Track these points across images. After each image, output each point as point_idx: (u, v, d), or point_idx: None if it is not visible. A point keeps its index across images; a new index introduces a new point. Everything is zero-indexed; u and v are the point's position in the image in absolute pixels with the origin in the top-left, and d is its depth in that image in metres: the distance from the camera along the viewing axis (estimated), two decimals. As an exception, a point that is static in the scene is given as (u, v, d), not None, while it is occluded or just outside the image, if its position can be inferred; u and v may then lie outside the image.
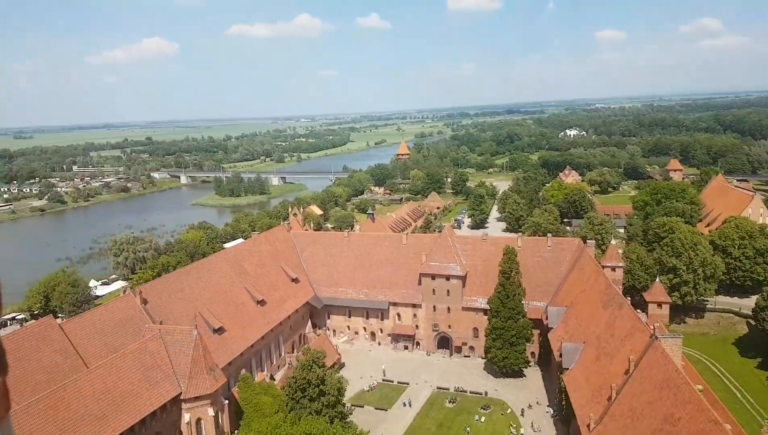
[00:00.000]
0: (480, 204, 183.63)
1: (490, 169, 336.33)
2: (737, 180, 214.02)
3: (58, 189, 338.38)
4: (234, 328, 75.28)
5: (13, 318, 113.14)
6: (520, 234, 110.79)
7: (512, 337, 78.60)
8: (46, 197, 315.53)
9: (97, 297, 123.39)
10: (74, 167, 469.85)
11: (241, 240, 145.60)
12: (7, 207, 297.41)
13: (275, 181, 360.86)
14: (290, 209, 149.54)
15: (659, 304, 77.12)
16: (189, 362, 59.45)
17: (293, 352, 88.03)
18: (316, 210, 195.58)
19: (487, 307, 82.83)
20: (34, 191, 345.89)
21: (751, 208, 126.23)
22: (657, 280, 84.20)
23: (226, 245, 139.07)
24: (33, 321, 79.68)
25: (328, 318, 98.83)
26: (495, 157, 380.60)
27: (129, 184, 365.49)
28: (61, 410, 48.41)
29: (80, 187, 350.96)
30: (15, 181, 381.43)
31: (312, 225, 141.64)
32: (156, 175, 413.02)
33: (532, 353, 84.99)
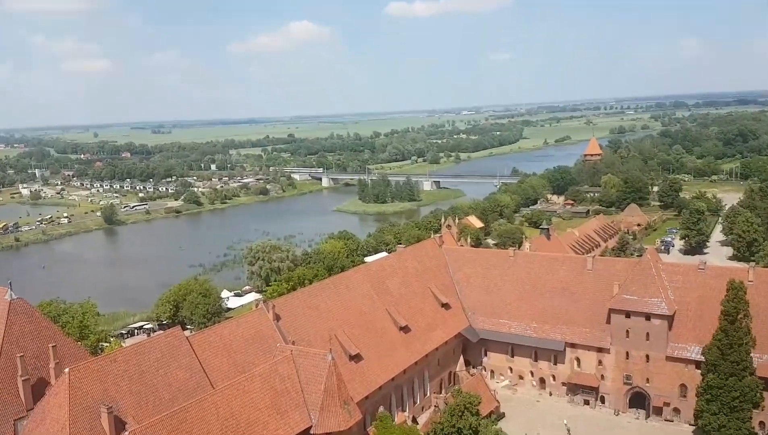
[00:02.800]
0: (697, 222, 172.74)
1: (714, 177, 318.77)
2: None
3: (195, 189, 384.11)
4: (373, 356, 78.39)
5: (141, 327, 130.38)
6: (752, 264, 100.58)
7: (734, 399, 71.97)
8: (182, 197, 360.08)
9: (229, 309, 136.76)
10: (212, 166, 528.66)
11: (384, 253, 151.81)
12: (142, 207, 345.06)
13: (427, 185, 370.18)
14: (443, 220, 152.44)
15: None
16: (321, 391, 62.61)
17: (441, 393, 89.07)
18: (475, 222, 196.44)
19: (701, 358, 76.74)
20: (170, 190, 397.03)
21: None
22: None
23: (368, 259, 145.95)
24: (161, 332, 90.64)
25: (485, 355, 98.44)
26: (721, 161, 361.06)
27: (268, 186, 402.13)
28: (182, 433, 52.63)
29: (218, 187, 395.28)
30: (151, 180, 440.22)
31: (469, 240, 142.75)
32: (296, 176, 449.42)
33: (761, 423, 76.75)
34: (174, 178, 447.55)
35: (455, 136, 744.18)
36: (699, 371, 77.76)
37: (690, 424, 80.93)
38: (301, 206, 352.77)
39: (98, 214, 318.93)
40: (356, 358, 75.70)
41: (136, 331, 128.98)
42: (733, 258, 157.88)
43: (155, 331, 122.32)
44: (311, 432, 61.85)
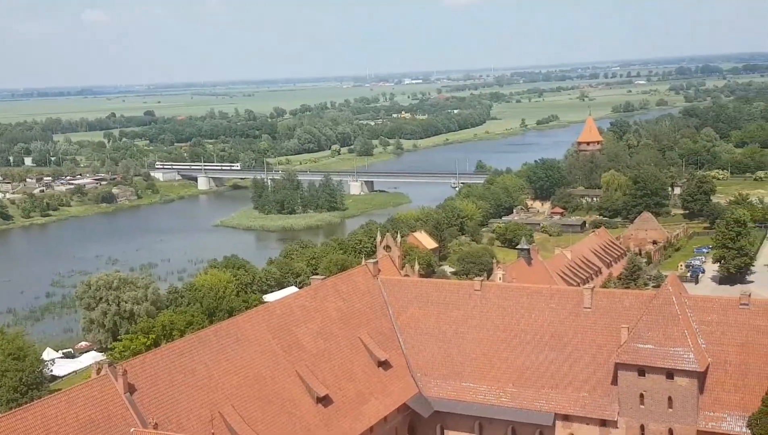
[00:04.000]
0: (738, 237, 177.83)
1: (760, 173, 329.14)
2: None
3: (0, 194, 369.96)
4: (277, 442, 77.72)
5: None
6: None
7: (794, 490, 74.81)
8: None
9: (55, 378, 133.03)
10: (27, 159, 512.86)
11: (293, 289, 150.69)
12: None
13: (356, 187, 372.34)
14: (380, 238, 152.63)
15: None
16: (199, 499, 62.10)
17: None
18: (426, 241, 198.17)
19: (747, 432, 79.56)
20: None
21: None
22: None
23: (268, 297, 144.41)
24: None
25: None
26: None
27: (115, 190, 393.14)
28: None
29: (36, 191, 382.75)
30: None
31: (418, 267, 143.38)
32: (159, 174, 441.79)
33: None
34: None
35: (395, 116, 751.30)
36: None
37: None
38: (166, 220, 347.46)
39: None
40: (252, 446, 74.83)
41: None
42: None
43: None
44: None
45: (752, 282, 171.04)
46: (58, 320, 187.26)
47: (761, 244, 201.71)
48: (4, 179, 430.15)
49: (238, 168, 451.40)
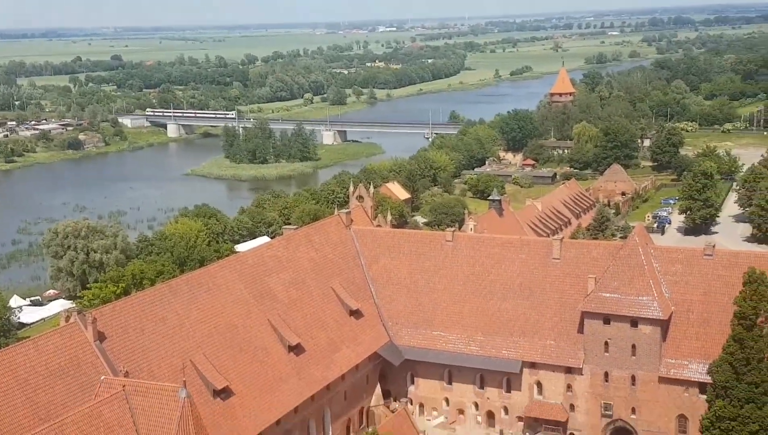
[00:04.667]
0: (704, 189, 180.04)
1: (728, 125, 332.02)
2: None
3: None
4: (249, 390, 78.60)
5: None
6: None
7: (754, 433, 77.04)
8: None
9: (23, 325, 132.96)
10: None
11: (265, 238, 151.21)
12: None
13: (328, 137, 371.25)
14: (353, 188, 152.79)
15: None
16: (170, 443, 62.77)
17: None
18: (399, 191, 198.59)
19: (708, 378, 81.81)
20: None
21: None
22: None
23: (240, 247, 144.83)
24: None
25: (412, 382, 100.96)
26: (738, 103, 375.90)
27: (81, 136, 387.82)
28: None
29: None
30: None
31: (390, 217, 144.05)
32: (127, 121, 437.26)
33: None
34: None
35: (368, 65, 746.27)
36: (704, 397, 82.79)
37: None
38: (134, 168, 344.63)
39: None
40: (224, 393, 75.66)
41: None
42: (752, 239, 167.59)
43: None
44: (155, 503, 61.84)
45: (716, 233, 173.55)
46: (24, 268, 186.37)
47: (726, 195, 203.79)
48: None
49: (209, 116, 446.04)
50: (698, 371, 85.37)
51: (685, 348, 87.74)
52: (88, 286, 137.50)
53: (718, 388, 78.90)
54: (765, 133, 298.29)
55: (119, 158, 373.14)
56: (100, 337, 71.40)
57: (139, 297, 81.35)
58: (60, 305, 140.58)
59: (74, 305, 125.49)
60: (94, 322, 71.47)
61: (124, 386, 64.91)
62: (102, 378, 67.28)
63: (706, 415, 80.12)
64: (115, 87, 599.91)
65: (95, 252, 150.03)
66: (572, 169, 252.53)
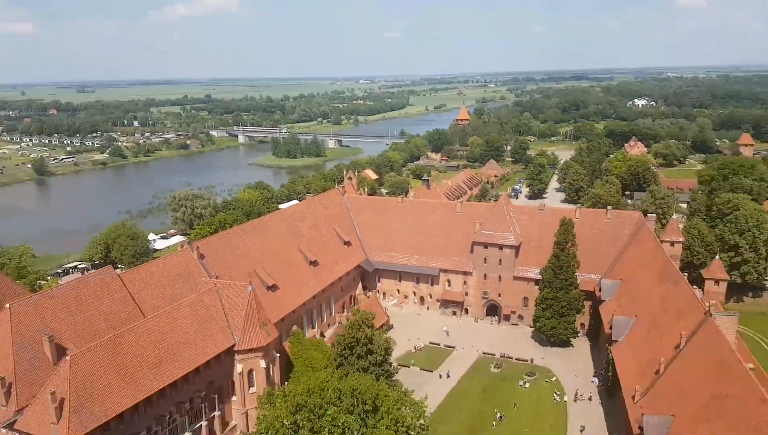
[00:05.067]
0: (539, 173, 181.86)
1: (553, 138, 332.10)
2: None
3: (119, 143, 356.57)
4: (287, 286, 79.32)
5: (75, 266, 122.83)
6: (579, 206, 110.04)
7: (563, 307, 79.49)
8: (108, 151, 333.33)
9: (156, 250, 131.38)
10: (135, 123, 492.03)
11: (295, 201, 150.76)
12: (71, 160, 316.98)
13: (331, 143, 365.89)
14: (345, 173, 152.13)
15: (716, 282, 76.12)
16: (243, 316, 63.26)
17: (343, 312, 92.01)
18: (371, 174, 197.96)
19: (539, 277, 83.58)
20: (95, 145, 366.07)
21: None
22: (717, 257, 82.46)
23: (281, 206, 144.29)
24: (94, 270, 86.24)
25: (379, 281, 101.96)
26: (559, 125, 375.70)
27: (188, 142, 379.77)
28: (119, 356, 52.38)
29: (140, 141, 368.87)
30: (78, 135, 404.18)
31: (366, 189, 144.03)
32: (214, 133, 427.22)
33: (582, 324, 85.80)
34: (99, 133, 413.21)
35: (354, 102, 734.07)
36: (537, 287, 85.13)
37: (530, 327, 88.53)
38: (219, 160, 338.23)
39: (29, 166, 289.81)
40: (272, 288, 76.33)
41: (70, 270, 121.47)
42: (565, 201, 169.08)
43: (89, 270, 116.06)
44: (234, 349, 62.64)
45: (546, 198, 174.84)
46: (156, 218, 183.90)
47: (551, 177, 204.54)
48: (121, 134, 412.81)
49: (262, 131, 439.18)
50: (535, 273, 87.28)
51: (528, 260, 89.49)
52: (193, 228, 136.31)
53: (545, 282, 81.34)
54: (572, 142, 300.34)
55: (210, 155, 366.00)
56: (201, 256, 71.46)
57: (223, 234, 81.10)
58: (177, 238, 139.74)
59: (186, 239, 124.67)
60: (197, 248, 71.78)
61: (215, 284, 65.92)
62: (203, 280, 67.84)
63: (538, 297, 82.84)
64: (207, 113, 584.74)
65: (197, 208, 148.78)
66: (468, 162, 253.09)
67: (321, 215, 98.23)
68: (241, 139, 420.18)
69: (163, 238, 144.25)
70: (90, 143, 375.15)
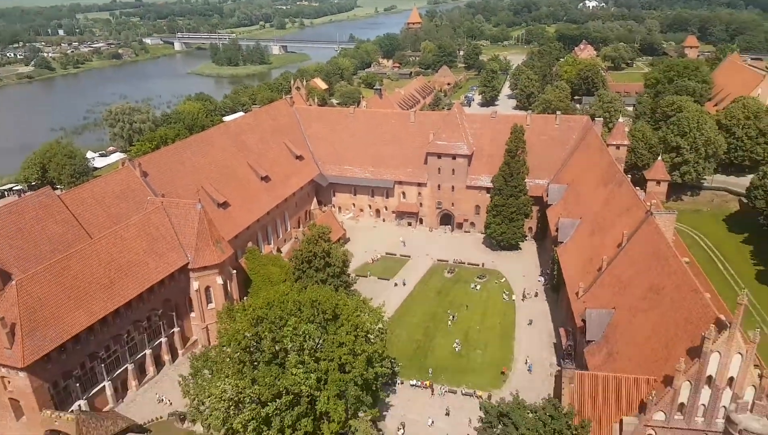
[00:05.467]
0: (492, 80, 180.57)
1: (505, 42, 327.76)
2: (751, 58, 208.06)
3: (45, 54, 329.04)
4: (238, 203, 78.08)
5: (11, 189, 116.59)
6: (529, 112, 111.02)
7: (512, 213, 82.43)
8: (33, 63, 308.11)
9: (96, 169, 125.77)
10: (60, 31, 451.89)
11: (241, 113, 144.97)
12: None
13: (276, 49, 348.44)
14: (293, 82, 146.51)
15: (658, 182, 79.98)
16: (194, 234, 62.42)
17: (299, 228, 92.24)
18: (321, 84, 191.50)
19: (491, 185, 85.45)
20: (18, 56, 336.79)
21: (761, 89, 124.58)
22: (659, 158, 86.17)
23: (226, 118, 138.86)
24: (31, 193, 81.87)
25: (334, 195, 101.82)
26: (511, 28, 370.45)
27: (120, 51, 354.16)
28: (69, 278, 51.58)
29: (68, 52, 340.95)
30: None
31: (316, 100, 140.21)
32: (148, 41, 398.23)
33: (530, 228, 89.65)
34: (21, 43, 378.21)
35: (298, 3, 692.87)
36: (488, 195, 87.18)
37: (481, 233, 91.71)
38: (155, 70, 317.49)
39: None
40: (223, 205, 75.06)
41: (5, 193, 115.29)
42: (516, 107, 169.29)
43: (25, 192, 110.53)
44: (189, 267, 62.47)
45: (498, 105, 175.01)
46: (93, 134, 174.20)
47: (503, 83, 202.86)
48: (46, 45, 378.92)
49: (200, 37, 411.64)
50: (486, 181, 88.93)
51: (479, 169, 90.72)
52: (133, 144, 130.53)
53: (496, 190, 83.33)
54: (524, 46, 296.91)
55: (145, 65, 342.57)
56: (144, 174, 69.20)
57: (166, 150, 77.97)
58: (117, 156, 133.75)
59: (126, 156, 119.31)
60: (139, 165, 69.42)
61: (162, 202, 64.58)
62: (148, 198, 66.14)
63: (489, 204, 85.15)
64: (138, 19, 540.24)
65: (136, 123, 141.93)
66: (420, 69, 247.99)
67: (269, 128, 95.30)
68: (177, 46, 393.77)
69: (102, 155, 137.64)
70: (12, 55, 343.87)
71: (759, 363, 35.20)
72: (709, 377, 35.32)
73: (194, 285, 63.07)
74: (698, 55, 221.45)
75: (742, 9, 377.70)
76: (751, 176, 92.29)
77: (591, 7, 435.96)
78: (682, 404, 36.34)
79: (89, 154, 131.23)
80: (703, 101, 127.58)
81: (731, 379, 34.83)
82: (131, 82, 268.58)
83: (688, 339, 38.08)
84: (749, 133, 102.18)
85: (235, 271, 66.95)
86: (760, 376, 33.32)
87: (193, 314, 64.61)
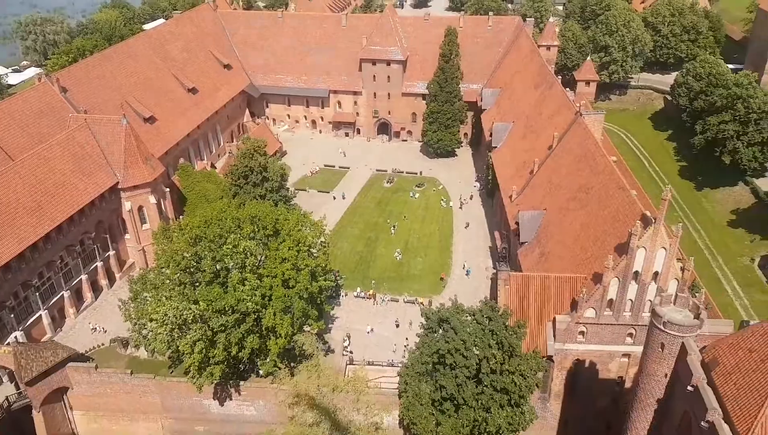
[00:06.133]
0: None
1: None
2: None
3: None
4: (166, 117, 71.39)
5: None
6: (462, 13, 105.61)
7: (448, 120, 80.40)
8: None
9: (10, 86, 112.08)
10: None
11: (162, 20, 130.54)
12: None
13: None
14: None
15: (587, 82, 79.39)
16: (122, 152, 57.29)
17: (233, 142, 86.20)
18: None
19: (426, 91, 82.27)
20: None
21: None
22: (588, 58, 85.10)
23: (146, 27, 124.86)
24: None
25: (267, 107, 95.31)
26: None
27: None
28: None
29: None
30: None
31: (241, 3, 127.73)
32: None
33: (465, 134, 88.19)
34: None
35: None
36: (424, 101, 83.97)
37: (418, 141, 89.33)
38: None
39: None
40: (150, 120, 68.43)
41: None
42: (449, 8, 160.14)
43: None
44: (119, 187, 57.43)
45: (431, 6, 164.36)
46: (3, 48, 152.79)
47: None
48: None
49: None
50: (422, 88, 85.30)
51: (414, 75, 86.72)
52: (48, 57, 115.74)
53: (431, 96, 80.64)
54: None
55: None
56: (63, 90, 62.01)
57: (85, 63, 69.34)
58: (33, 71, 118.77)
59: (42, 71, 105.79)
60: (57, 81, 62.14)
61: (85, 119, 58.77)
62: (70, 115, 59.82)
63: (425, 111, 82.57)
64: None
65: (49, 34, 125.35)
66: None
67: (193, 35, 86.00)
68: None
69: (15, 71, 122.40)
70: None
71: (681, 256, 36.11)
72: (636, 272, 36.01)
73: (126, 205, 58.35)
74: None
75: None
76: (675, 74, 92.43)
77: None
78: (611, 300, 37.22)
79: (1, 70, 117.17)
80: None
81: (656, 273, 35.62)
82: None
83: (615, 236, 38.41)
84: (674, 30, 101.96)
85: (168, 190, 62.22)
86: (682, 269, 34.13)
87: (127, 236, 60.31)
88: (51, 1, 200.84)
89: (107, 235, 58.33)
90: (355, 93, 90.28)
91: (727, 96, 74.13)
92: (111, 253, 59.08)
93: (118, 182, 57.14)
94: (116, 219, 59.06)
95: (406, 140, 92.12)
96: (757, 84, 76.75)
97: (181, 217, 62.40)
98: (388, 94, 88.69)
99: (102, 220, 57.28)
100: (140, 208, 59.16)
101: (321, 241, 48.26)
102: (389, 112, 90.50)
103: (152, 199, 58.91)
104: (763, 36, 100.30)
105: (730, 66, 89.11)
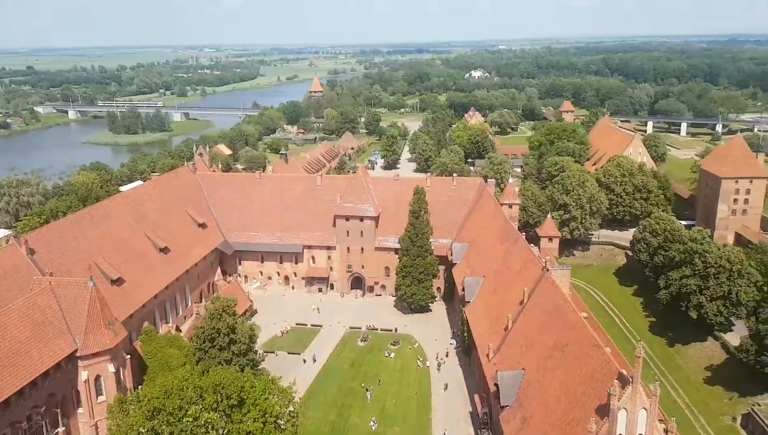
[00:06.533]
0: (392, 144, 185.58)
1: (402, 109, 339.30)
2: (621, 120, 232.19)
3: None
4: (134, 278, 71.26)
5: None
6: (428, 174, 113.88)
7: (420, 274, 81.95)
8: None
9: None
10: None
11: (139, 182, 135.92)
12: None
13: (177, 117, 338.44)
14: (195, 148, 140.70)
15: (550, 238, 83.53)
16: (84, 316, 55.62)
17: (201, 302, 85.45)
18: (225, 150, 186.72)
19: (398, 246, 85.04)
20: None
21: (631, 148, 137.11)
22: (549, 216, 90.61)
23: (123, 188, 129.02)
24: None
25: (240, 264, 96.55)
26: (406, 96, 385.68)
27: (9, 120, 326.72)
28: None
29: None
30: None
31: (220, 166, 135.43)
32: (40, 109, 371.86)
33: (438, 288, 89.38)
34: None
35: (200, 72, 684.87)
36: (397, 256, 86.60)
37: (392, 296, 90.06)
38: (47, 140, 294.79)
39: None
40: (118, 281, 68.00)
41: None
42: (416, 170, 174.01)
43: None
44: (77, 355, 54.82)
45: (399, 169, 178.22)
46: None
47: (403, 148, 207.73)
48: None
49: (96, 104, 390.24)
50: (394, 242, 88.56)
51: (387, 230, 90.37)
52: (20, 219, 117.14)
53: (403, 250, 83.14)
54: (419, 113, 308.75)
55: (36, 134, 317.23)
56: (31, 251, 61.89)
57: (56, 224, 70.73)
58: (1, 233, 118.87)
59: (11, 232, 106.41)
60: (25, 243, 62.19)
61: (50, 282, 57.71)
62: (34, 278, 58.88)
63: (398, 265, 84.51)
64: (30, 87, 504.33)
65: (24, 196, 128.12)
66: (325, 134, 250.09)
67: (170, 196, 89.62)
68: (71, 114, 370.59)
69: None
70: None
71: (663, 417, 35.57)
72: (620, 435, 34.91)
73: (83, 375, 55.11)
74: (574, 119, 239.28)
75: (608, 76, 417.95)
76: (633, 230, 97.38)
77: (477, 77, 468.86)
78: (599, 466, 35.39)
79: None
80: (583, 161, 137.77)
81: (640, 435, 34.61)
82: (21, 153, 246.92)
83: (595, 396, 37.91)
84: (626, 189, 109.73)
85: (129, 357, 59.55)
86: (666, 431, 33.41)
87: (81, 410, 56.04)
88: (31, 163, 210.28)
89: (58, 409, 54.13)
90: (329, 247, 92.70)
91: (684, 251, 76.74)
92: (60, 429, 54.22)
93: (76, 350, 54.79)
94: (70, 391, 55.36)
95: (380, 295, 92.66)
96: (710, 238, 79.94)
97: (139, 386, 59.03)
98: (362, 249, 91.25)
99: (54, 393, 53.51)
100: (97, 378, 55.78)
101: (290, 411, 45.80)
102: (362, 267, 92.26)
103: (111, 368, 56.01)
104: (709, 194, 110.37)
105: (683, 222, 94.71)
